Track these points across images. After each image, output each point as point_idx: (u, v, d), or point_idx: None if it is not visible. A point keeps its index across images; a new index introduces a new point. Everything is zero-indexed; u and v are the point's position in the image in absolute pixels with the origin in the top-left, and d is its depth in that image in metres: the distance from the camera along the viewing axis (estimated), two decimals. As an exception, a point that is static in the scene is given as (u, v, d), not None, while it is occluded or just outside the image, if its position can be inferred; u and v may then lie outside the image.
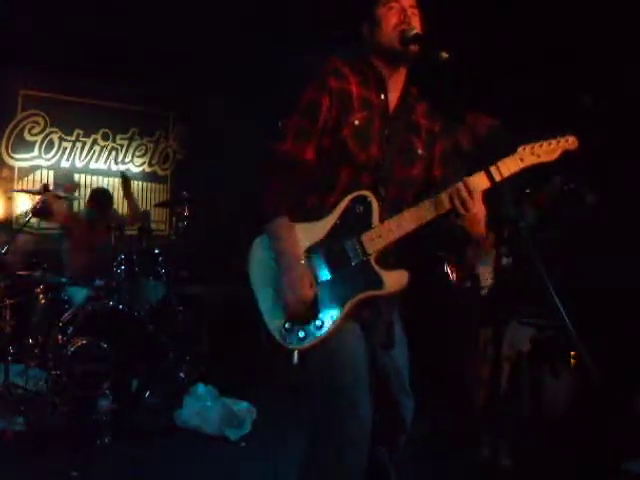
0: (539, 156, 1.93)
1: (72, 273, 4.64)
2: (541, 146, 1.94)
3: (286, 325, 1.84)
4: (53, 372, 3.91)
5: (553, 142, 1.95)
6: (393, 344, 2.02)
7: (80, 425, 3.73)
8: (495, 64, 4.24)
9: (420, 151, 2.05)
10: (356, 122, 1.93)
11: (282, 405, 3.97)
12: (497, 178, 1.90)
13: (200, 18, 5.22)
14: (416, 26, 1.94)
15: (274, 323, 1.86)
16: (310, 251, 1.89)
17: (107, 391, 3.84)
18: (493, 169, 1.90)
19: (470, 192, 1.87)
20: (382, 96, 1.99)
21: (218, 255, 5.16)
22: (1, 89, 6.01)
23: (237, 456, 3.55)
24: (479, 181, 1.90)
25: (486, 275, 3.41)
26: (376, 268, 1.88)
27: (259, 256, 1.93)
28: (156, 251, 4.60)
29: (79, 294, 4.39)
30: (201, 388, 4.06)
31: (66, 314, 4.16)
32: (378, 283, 1.87)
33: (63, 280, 4.44)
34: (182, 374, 4.44)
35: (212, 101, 6.40)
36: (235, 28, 5.26)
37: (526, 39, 4.24)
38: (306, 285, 1.82)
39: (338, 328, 1.84)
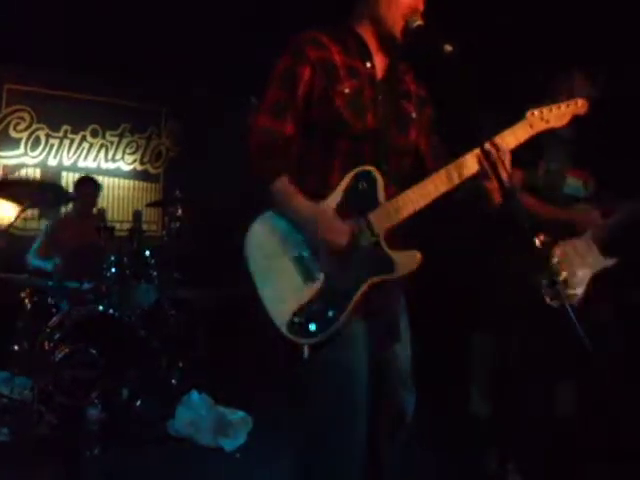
0: (548, 121, 1.90)
1: (59, 277, 4.57)
2: (550, 110, 1.91)
3: (295, 319, 1.77)
4: (39, 380, 3.84)
5: (562, 106, 1.92)
6: (398, 337, 1.98)
7: (68, 435, 3.68)
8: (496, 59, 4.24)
9: (414, 114, 2.02)
10: (346, 90, 1.87)
11: (279, 415, 3.95)
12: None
13: (194, 14, 5.19)
14: (419, 19, 1.91)
15: (282, 318, 1.78)
16: None
17: (96, 400, 3.80)
18: (500, 138, 1.86)
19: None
20: (368, 64, 1.95)
21: (212, 257, 5.14)
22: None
23: (232, 468, 3.50)
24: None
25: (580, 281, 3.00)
26: (386, 249, 1.81)
27: (259, 240, 1.85)
28: (147, 253, 4.55)
29: (66, 298, 4.32)
30: (195, 396, 4.02)
31: (53, 319, 4.08)
32: (389, 266, 1.81)
33: (50, 284, 4.37)
34: (175, 381, 4.41)
35: (206, 98, 6.36)
36: (230, 25, 5.24)
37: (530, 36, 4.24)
38: (336, 218, 1.79)
39: (348, 324, 1.78)
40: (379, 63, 1.98)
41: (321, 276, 1.80)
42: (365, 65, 1.94)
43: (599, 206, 3.05)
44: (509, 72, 4.30)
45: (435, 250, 1.91)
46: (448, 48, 1.82)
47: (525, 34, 4.25)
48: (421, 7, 1.94)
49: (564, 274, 2.91)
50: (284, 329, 1.77)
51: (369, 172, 1.85)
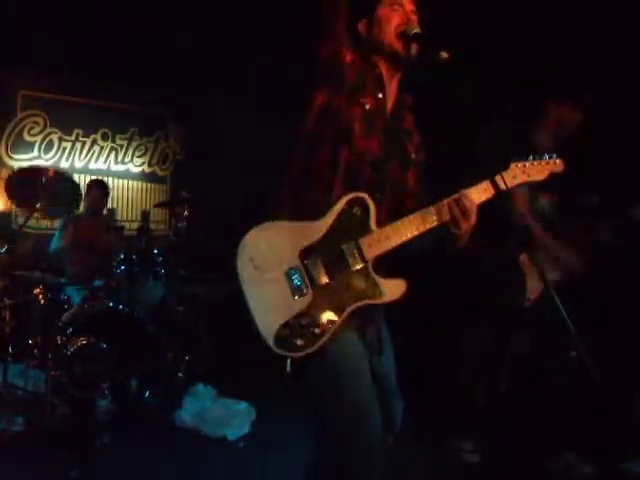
0: (529, 175, 1.99)
1: (71, 273, 4.61)
2: (532, 164, 1.99)
3: (281, 332, 1.74)
4: (52, 372, 3.86)
5: (542, 162, 2.01)
6: (382, 350, 1.99)
7: (79, 425, 3.70)
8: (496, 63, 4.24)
9: (413, 156, 2.06)
10: (367, 106, 1.91)
11: (281, 405, 3.94)
12: (502, 188, 1.94)
13: (200, 18, 5.21)
14: (417, 26, 1.93)
15: (268, 330, 1.75)
16: (307, 252, 1.80)
17: (106, 391, 3.84)
18: (499, 179, 1.94)
19: (471, 203, 1.87)
20: (380, 95, 1.97)
21: (217, 255, 5.15)
22: (1, 89, 5.99)
23: (236, 456, 3.52)
24: (479, 192, 1.92)
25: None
26: (374, 276, 1.84)
27: (251, 251, 1.79)
28: (155, 251, 4.56)
29: (78, 294, 4.36)
30: (200, 388, 4.06)
31: (65, 314, 4.14)
32: (377, 291, 1.83)
33: (62, 280, 4.42)
34: (181, 374, 4.42)
35: (212, 101, 6.38)
36: (235, 28, 5.24)
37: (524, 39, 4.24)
38: None
39: (337, 336, 1.78)
40: (390, 96, 2.01)
41: (310, 291, 1.78)
42: (378, 95, 1.97)
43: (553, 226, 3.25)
44: (511, 85, 4.31)
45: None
46: (444, 55, 1.85)
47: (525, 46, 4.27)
48: (414, 17, 1.97)
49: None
50: (271, 341, 1.74)
51: (363, 198, 1.86)
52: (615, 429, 3.19)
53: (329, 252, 1.82)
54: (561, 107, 3.30)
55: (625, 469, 3.12)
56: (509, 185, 1.95)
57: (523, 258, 3.18)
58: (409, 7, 1.98)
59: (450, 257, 2.02)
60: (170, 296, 4.67)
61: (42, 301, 4.25)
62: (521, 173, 1.97)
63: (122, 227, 4.77)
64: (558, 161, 2.03)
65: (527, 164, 1.98)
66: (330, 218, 1.84)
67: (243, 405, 3.96)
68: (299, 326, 1.76)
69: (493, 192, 1.93)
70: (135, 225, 5.78)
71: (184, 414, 3.89)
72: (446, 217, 1.89)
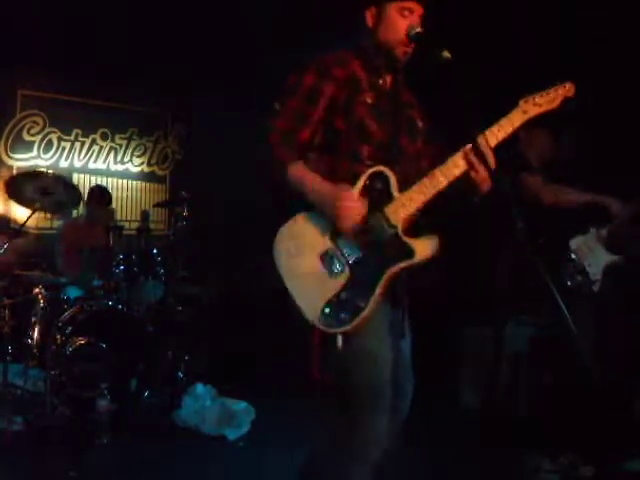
0: (541, 105, 1.95)
1: (66, 275, 4.60)
2: (541, 96, 1.96)
3: (326, 310, 1.84)
4: (52, 372, 3.86)
5: (551, 91, 1.97)
6: (405, 333, 2.06)
7: (79, 425, 3.71)
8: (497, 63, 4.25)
9: (420, 124, 2.13)
10: (369, 100, 1.99)
11: (281, 405, 4.00)
12: (504, 134, 1.93)
13: (199, 18, 5.22)
14: (419, 27, 1.98)
15: (313, 311, 1.85)
16: (337, 233, 1.88)
17: (106, 391, 3.82)
18: (509, 118, 1.93)
19: (485, 146, 1.88)
20: (380, 80, 2.05)
21: (217, 255, 5.14)
22: (0, 89, 5.96)
23: (235, 456, 3.54)
24: (492, 135, 1.92)
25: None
26: (404, 238, 1.89)
27: (286, 242, 1.92)
28: (155, 251, 4.57)
29: (77, 294, 4.35)
30: (200, 388, 4.05)
31: (65, 314, 4.11)
32: (409, 253, 1.88)
33: (62, 280, 4.41)
34: (181, 374, 4.43)
35: (211, 101, 6.38)
36: (234, 28, 5.24)
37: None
38: (352, 195, 1.85)
39: (376, 308, 1.84)
40: (387, 77, 2.09)
41: (346, 269, 1.87)
42: (378, 80, 2.05)
43: None
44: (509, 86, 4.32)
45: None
46: (446, 55, 1.88)
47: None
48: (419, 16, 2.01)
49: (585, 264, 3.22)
50: (317, 321, 1.84)
51: (382, 171, 1.93)
52: (615, 430, 3.18)
53: (357, 228, 1.88)
54: (530, 132, 3.32)
55: (625, 468, 3.11)
56: (521, 121, 1.94)
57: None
58: (418, 12, 2.00)
59: (474, 206, 2.03)
60: (169, 296, 4.66)
61: (41, 301, 4.25)
62: (532, 106, 1.95)
63: (121, 227, 4.73)
64: (568, 85, 1.98)
65: (536, 97, 1.95)
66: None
67: (242, 405, 3.96)
68: (341, 301, 1.85)
69: (507, 131, 1.93)
70: (135, 225, 5.80)
71: (184, 414, 3.90)
72: (464, 166, 1.91)
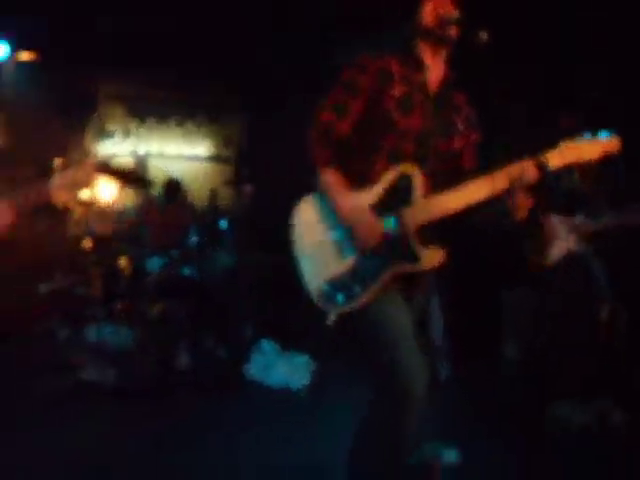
0: (579, 156, 1.84)
1: (150, 246, 4.99)
2: (583, 144, 1.84)
3: (324, 288, 1.88)
4: (139, 332, 4.26)
5: (595, 141, 1.84)
6: (427, 318, 2.11)
7: (162, 378, 4.01)
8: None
9: (460, 127, 2.05)
10: (396, 94, 1.96)
11: (339, 359, 4.08)
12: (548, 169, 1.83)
13: (272, 16, 5.34)
14: (455, 11, 1.97)
15: (314, 285, 1.90)
16: None
17: (185, 349, 4.18)
18: (544, 158, 1.83)
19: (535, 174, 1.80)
20: (421, 75, 2.01)
21: (280, 226, 5.33)
22: (84, 84, 6.46)
23: (298, 405, 3.74)
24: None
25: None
26: (413, 243, 1.87)
27: (303, 216, 1.98)
28: (224, 225, 4.93)
29: (158, 264, 4.70)
30: (265, 344, 4.31)
31: (148, 281, 4.51)
32: (414, 258, 1.87)
33: (144, 251, 4.79)
34: (249, 333, 4.68)
35: (272, 87, 6.53)
36: (307, 26, 5.34)
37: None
38: (372, 217, 1.87)
39: (378, 298, 1.87)
40: (435, 77, 2.04)
41: (354, 256, 1.90)
42: (418, 75, 2.01)
43: None
44: (543, 65, 4.25)
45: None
46: (483, 36, 1.88)
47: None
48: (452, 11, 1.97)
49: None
50: (314, 295, 1.90)
51: (410, 170, 1.91)
52: None
53: None
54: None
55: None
56: (557, 165, 1.82)
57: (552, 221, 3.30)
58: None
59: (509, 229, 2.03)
60: (238, 264, 4.94)
61: (127, 269, 4.68)
62: (570, 153, 1.83)
63: (193, 204, 5.11)
64: (614, 140, 1.85)
65: (578, 143, 1.82)
66: (377, 190, 1.93)
67: (304, 358, 4.19)
68: (340, 284, 1.88)
69: (537, 174, 1.82)
70: (205, 202, 6.10)
71: (253, 368, 4.17)
72: (504, 185, 1.83)
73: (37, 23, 5.16)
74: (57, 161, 1.90)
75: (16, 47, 5.77)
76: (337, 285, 1.88)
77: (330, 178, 1.93)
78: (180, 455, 2.96)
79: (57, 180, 1.79)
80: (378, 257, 1.88)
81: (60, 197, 1.78)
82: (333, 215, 1.94)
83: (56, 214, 5.36)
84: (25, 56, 5.84)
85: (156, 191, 5.46)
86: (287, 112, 6.27)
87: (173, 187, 5.50)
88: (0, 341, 4.14)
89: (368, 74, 1.98)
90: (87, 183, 1.84)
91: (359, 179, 1.96)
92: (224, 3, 5.20)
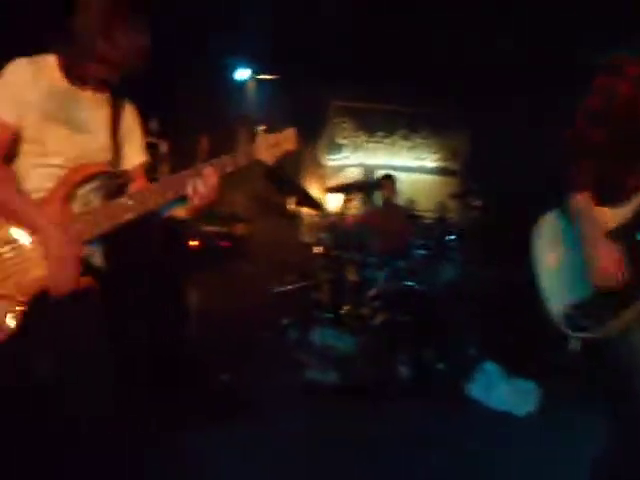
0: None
1: (375, 256, 5.09)
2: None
3: (568, 311, 1.81)
4: (361, 339, 4.36)
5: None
6: None
7: (381, 384, 4.08)
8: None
9: None
10: None
11: (569, 388, 3.94)
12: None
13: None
14: None
15: (556, 306, 1.83)
16: (611, 235, 1.78)
17: (405, 359, 4.18)
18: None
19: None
20: None
21: (508, 241, 5.11)
22: (315, 102, 6.83)
23: (522, 432, 3.56)
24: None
25: None
26: None
27: (545, 232, 1.92)
28: (451, 237, 4.85)
29: (382, 273, 4.77)
30: (489, 366, 4.17)
31: (372, 290, 4.59)
32: None
33: (370, 260, 4.88)
34: (473, 351, 4.56)
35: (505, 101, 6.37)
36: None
37: None
38: (615, 259, 1.74)
39: (631, 325, 1.74)
40: None
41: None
42: None
43: None
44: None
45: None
46: None
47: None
48: None
49: None
50: (560, 319, 1.82)
51: None
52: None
53: (628, 238, 1.77)
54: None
55: None
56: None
57: None
58: None
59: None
60: (464, 279, 4.85)
61: (352, 277, 4.79)
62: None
63: (419, 216, 5.13)
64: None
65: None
66: (626, 212, 1.79)
67: (530, 384, 3.99)
68: (586, 310, 1.78)
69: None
70: (432, 215, 6.03)
71: (474, 387, 4.08)
72: None
73: (277, 45, 5.58)
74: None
75: (257, 69, 6.38)
76: (583, 310, 1.79)
77: (581, 204, 1.82)
78: (395, 463, 3.04)
79: (261, 140, 1.89)
80: (633, 281, 1.72)
81: (263, 156, 1.88)
82: (578, 240, 1.82)
83: (289, 220, 5.79)
84: (265, 76, 6.42)
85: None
86: (511, 120, 6.04)
87: (385, 182, 5.61)
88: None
89: (627, 80, 1.82)
90: (290, 145, 1.92)
91: (610, 191, 1.83)
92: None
